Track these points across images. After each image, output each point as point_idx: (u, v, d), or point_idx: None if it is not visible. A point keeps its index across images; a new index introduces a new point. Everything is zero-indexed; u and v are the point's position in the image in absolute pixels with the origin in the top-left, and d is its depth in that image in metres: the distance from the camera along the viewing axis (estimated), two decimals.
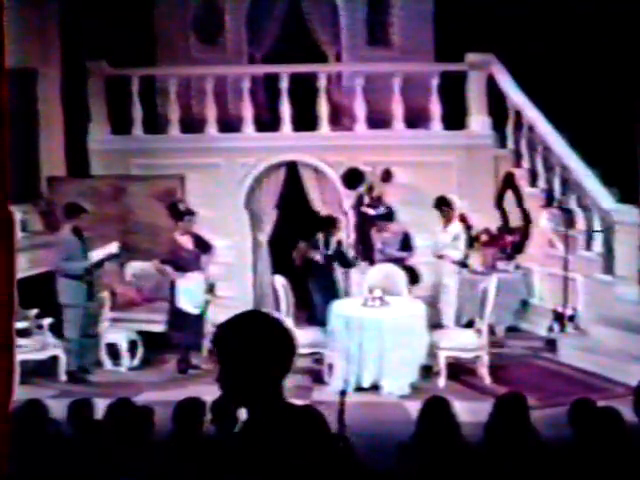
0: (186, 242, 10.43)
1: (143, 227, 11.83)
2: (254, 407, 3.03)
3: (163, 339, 10.62)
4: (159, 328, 10.54)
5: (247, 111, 12.78)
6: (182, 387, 9.41)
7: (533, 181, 12.34)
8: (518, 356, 10.85)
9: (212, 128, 12.81)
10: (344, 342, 9.50)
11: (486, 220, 12.26)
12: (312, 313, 10.91)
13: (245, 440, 3.02)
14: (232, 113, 13.13)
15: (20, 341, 8.64)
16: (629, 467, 5.06)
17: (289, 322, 9.15)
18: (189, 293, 10.34)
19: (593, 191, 11.12)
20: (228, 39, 13.79)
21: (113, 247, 10.37)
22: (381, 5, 13.66)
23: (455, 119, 12.63)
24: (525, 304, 11.99)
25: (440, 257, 11.16)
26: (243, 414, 3.07)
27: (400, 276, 10.63)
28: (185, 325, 10.36)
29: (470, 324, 10.43)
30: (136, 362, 10.64)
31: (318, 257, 10.91)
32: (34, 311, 9.93)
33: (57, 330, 10.09)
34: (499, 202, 12.50)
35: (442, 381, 9.61)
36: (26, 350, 9.33)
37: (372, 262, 11.16)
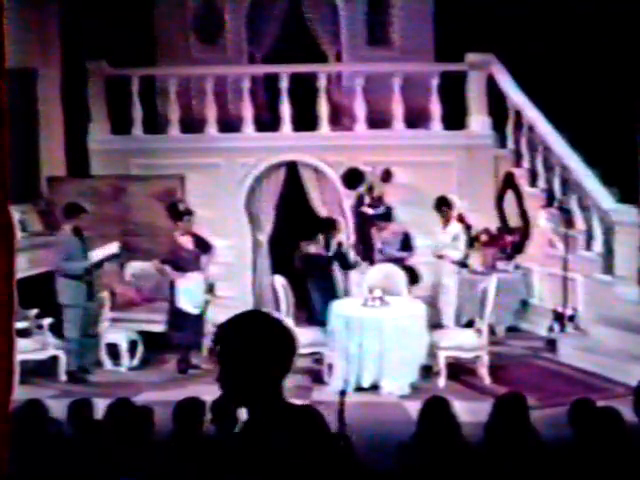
0: (186, 242, 10.44)
1: (143, 227, 11.83)
2: (254, 407, 3.03)
3: (163, 339, 10.62)
4: (159, 328, 10.54)
5: (247, 111, 12.78)
6: (182, 387, 9.41)
7: (533, 181, 12.34)
8: (518, 356, 10.85)
9: (212, 128, 12.81)
10: (344, 342, 9.50)
11: (486, 220, 12.27)
12: (312, 313, 10.91)
13: (245, 440, 3.02)
14: (232, 113, 13.13)
15: (20, 341, 8.64)
16: (629, 467, 5.06)
17: (289, 322, 9.14)
18: (189, 293, 10.34)
19: (593, 191, 11.12)
20: (228, 39, 13.79)
21: (113, 247, 10.38)
22: (381, 5, 13.66)
23: (455, 119, 12.63)
24: (525, 304, 12.00)
25: (440, 257, 11.16)
26: (243, 414, 3.07)
27: (400, 276, 10.63)
28: (185, 325, 10.36)
29: (470, 324, 10.43)
30: (136, 362, 10.64)
31: (313, 249, 10.87)
32: (34, 311, 9.94)
33: (57, 330, 10.09)
34: (499, 202, 12.51)
35: (442, 381, 9.60)
36: (26, 350, 9.33)
37: (372, 262, 11.15)
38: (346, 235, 12.02)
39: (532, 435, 5.59)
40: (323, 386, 9.54)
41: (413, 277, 10.91)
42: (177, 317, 10.36)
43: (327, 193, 12.65)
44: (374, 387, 9.41)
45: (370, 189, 12.12)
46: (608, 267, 10.76)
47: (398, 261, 10.88)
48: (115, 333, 10.60)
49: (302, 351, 8.54)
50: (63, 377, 9.96)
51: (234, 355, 3.03)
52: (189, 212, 10.53)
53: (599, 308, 10.67)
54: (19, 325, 8.65)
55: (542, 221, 11.81)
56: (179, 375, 10.28)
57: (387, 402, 9.16)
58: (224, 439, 3.13)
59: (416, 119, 12.79)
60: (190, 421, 5.73)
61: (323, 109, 12.73)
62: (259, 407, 3.02)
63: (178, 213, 10.50)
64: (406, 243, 11.07)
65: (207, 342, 10.41)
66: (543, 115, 12.12)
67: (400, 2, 13.53)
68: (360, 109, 12.70)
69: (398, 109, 12.64)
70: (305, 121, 12.70)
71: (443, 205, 11.19)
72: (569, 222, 11.32)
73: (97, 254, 10.21)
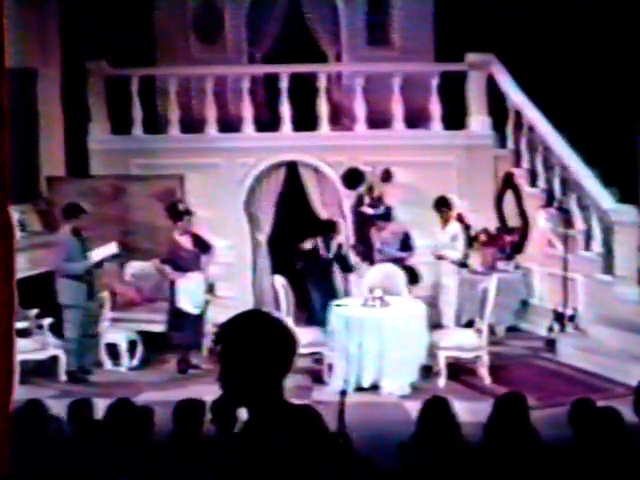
0: (186, 242, 10.44)
1: (143, 227, 11.82)
2: (254, 407, 3.03)
3: (163, 339, 10.62)
4: (159, 328, 10.54)
5: (247, 111, 12.78)
6: (182, 387, 9.42)
7: (533, 181, 12.34)
8: (518, 356, 10.85)
9: (212, 128, 12.81)
10: (344, 342, 9.50)
11: (486, 220, 12.27)
12: (312, 313, 10.91)
13: (245, 440, 3.02)
14: (232, 113, 13.12)
15: (20, 341, 8.63)
16: (629, 467, 5.06)
17: (289, 322, 9.14)
18: (189, 293, 10.33)
19: (593, 191, 11.12)
20: (228, 39, 13.79)
21: (113, 247, 10.37)
22: (381, 5, 13.66)
23: (455, 119, 12.63)
24: (525, 304, 11.99)
25: (440, 257, 11.15)
26: (243, 414, 3.07)
27: (400, 276, 10.62)
28: (185, 325, 10.36)
29: (470, 324, 10.43)
30: (136, 362, 10.64)
31: (309, 246, 10.85)
32: (34, 311, 9.93)
33: (57, 330, 10.09)
34: (498, 202, 12.51)
35: (442, 381, 9.60)
36: (26, 350, 9.33)
37: (372, 262, 11.15)
38: (345, 236, 12.01)
39: (532, 435, 5.59)
40: (323, 386, 9.54)
41: (413, 277, 10.91)
42: (177, 317, 10.36)
43: (327, 193, 12.65)
44: (374, 387, 9.41)
45: (370, 189, 12.12)
46: (608, 267, 10.76)
47: (398, 261, 10.88)
48: (115, 333, 10.60)
49: (302, 351, 8.54)
50: (63, 377, 9.96)
51: (234, 355, 3.02)
52: (189, 212, 10.53)
53: (599, 308, 10.67)
54: (19, 325, 8.64)
55: (541, 221, 11.82)
56: (179, 375, 10.28)
57: (387, 402, 9.16)
58: (224, 439, 3.14)
59: (416, 119, 12.80)
60: (190, 421, 5.73)
61: (323, 109, 12.73)
62: (259, 407, 3.02)
63: (178, 213, 10.50)
64: (406, 243, 11.07)
65: (207, 342, 10.42)
66: (543, 115, 12.12)
67: (400, 2, 13.53)
68: (360, 109, 12.70)
69: (398, 109, 12.64)
70: (305, 121, 12.70)
71: (442, 205, 11.18)
72: (568, 222, 11.32)
73: (97, 254, 10.20)
